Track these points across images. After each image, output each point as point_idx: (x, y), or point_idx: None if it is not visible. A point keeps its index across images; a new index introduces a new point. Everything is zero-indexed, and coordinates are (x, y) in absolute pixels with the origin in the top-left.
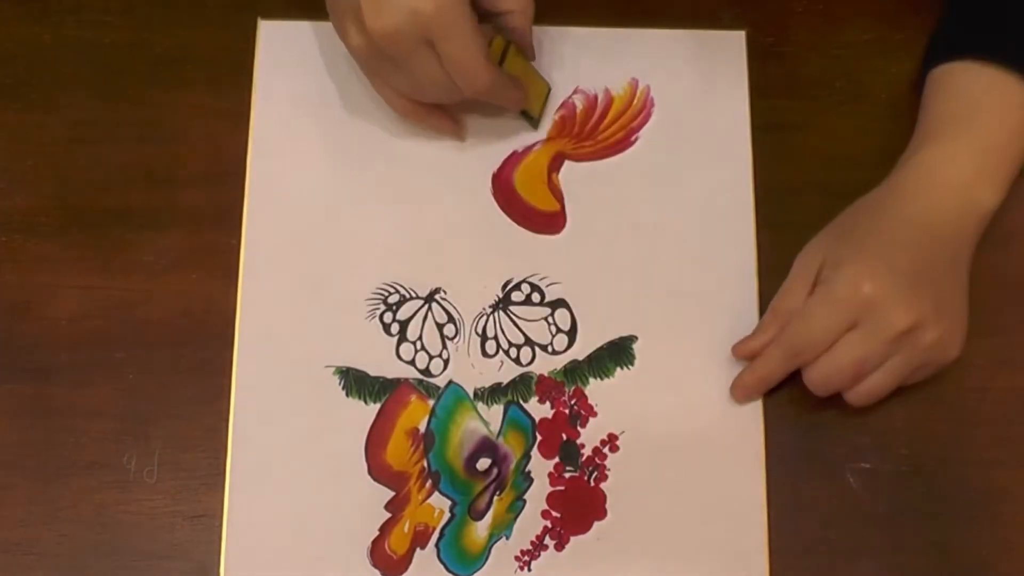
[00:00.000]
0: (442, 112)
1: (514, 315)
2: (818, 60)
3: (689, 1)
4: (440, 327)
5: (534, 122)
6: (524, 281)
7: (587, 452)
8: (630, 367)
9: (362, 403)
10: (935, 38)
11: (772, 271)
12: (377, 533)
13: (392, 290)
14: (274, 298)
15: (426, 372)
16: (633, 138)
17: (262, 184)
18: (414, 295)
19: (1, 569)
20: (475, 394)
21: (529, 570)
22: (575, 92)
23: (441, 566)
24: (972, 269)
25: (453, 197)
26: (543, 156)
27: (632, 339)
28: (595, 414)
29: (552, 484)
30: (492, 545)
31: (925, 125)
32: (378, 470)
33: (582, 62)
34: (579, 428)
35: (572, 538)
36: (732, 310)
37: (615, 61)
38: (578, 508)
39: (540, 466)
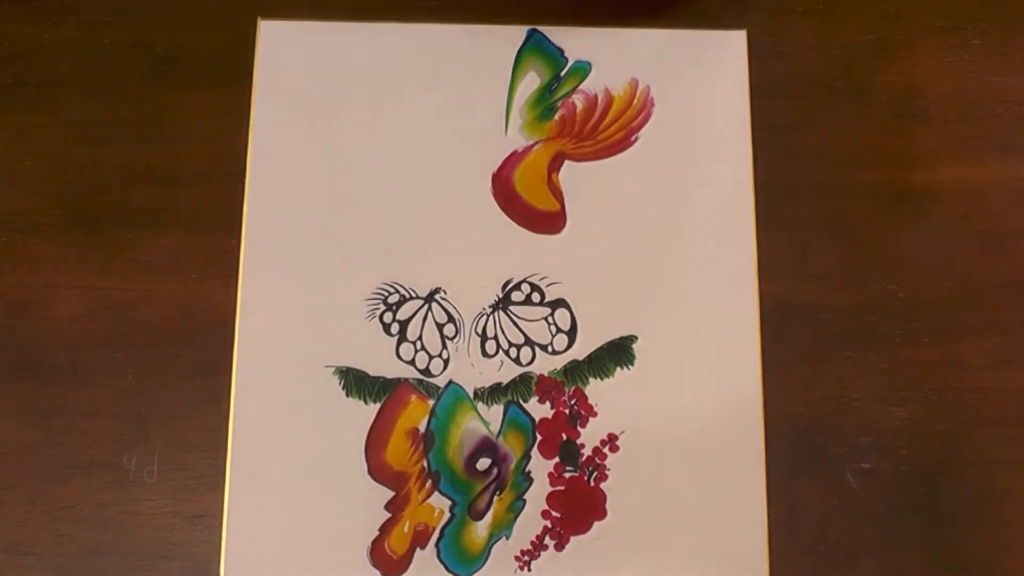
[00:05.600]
0: None
1: (514, 315)
2: (818, 60)
3: (689, 1)
4: (440, 327)
5: None
6: (524, 281)
7: (587, 452)
8: (630, 367)
9: (362, 403)
10: None
11: (772, 271)
12: (377, 533)
13: (392, 290)
14: (274, 298)
15: (426, 372)
16: (633, 138)
17: (262, 184)
18: (414, 295)
19: (1, 569)
20: (475, 394)
21: (529, 570)
22: (575, 92)
23: (441, 566)
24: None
25: (453, 197)
26: (543, 156)
27: (632, 339)
28: (595, 414)
29: (552, 484)
30: (492, 545)
31: None
32: (378, 470)
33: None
34: (579, 428)
35: (572, 538)
36: (732, 310)
37: (615, 61)
38: (578, 508)
39: (540, 466)
